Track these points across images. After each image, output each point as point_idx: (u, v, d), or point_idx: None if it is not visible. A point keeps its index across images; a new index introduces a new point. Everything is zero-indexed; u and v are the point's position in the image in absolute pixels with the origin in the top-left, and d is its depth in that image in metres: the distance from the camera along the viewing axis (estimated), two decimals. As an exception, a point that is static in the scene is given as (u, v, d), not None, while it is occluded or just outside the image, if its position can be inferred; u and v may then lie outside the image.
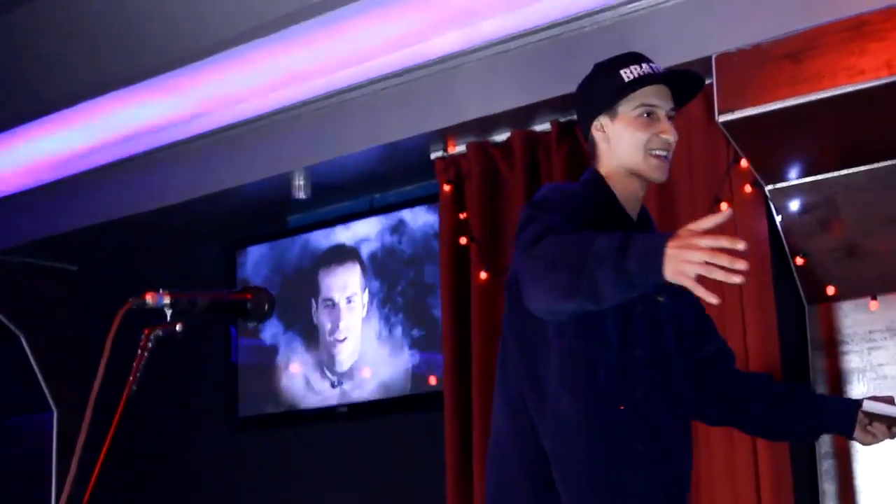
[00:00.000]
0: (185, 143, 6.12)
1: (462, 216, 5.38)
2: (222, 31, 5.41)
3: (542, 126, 5.21)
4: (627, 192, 3.01)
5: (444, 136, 5.41)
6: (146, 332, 2.52)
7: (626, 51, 4.65)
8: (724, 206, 4.62)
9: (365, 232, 6.14)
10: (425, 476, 5.58)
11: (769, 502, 4.44)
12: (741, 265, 2.44)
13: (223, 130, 5.99)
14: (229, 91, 5.77)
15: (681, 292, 2.80)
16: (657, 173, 2.97)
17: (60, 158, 6.55)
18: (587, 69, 4.74)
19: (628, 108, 2.96)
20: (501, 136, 5.34)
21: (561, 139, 5.08)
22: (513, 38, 5.04)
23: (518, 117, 5.19)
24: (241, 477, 6.54)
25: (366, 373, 6.05)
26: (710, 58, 4.49)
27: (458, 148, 5.45)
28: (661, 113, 2.97)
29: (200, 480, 6.71)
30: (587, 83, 3.09)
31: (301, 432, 6.33)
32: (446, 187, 5.44)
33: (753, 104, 4.33)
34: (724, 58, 4.45)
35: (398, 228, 6.01)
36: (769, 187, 4.58)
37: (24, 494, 7.27)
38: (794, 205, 4.60)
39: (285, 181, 5.93)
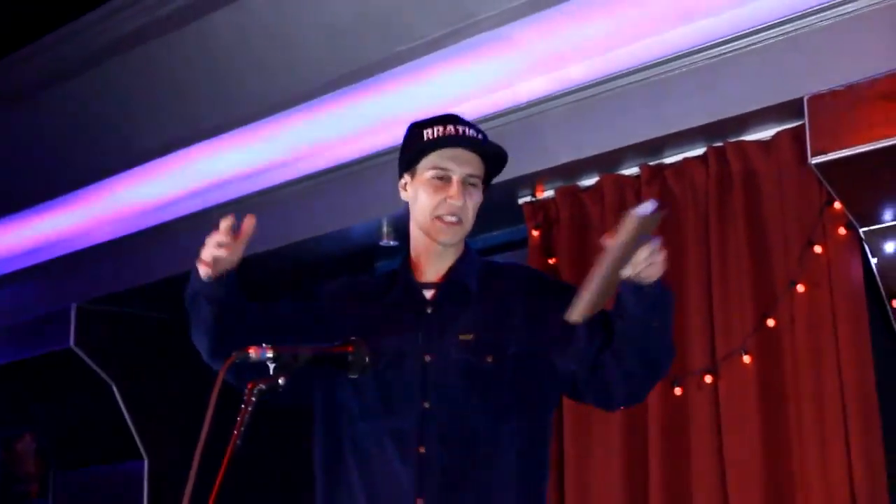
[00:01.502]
0: (274, 190, 6.15)
1: (551, 262, 5.34)
2: (311, 80, 5.46)
3: (631, 170, 5.18)
4: (428, 251, 3.04)
5: (531, 180, 5.38)
6: (249, 386, 2.52)
7: (711, 95, 4.68)
8: (817, 248, 4.57)
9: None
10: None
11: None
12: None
13: (312, 177, 6.00)
14: (318, 138, 5.81)
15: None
16: (442, 236, 2.99)
17: (151, 207, 6.61)
18: (677, 112, 4.81)
19: (425, 168, 2.98)
20: (590, 181, 5.31)
21: (650, 182, 5.05)
22: (600, 82, 5.02)
23: (607, 161, 5.16)
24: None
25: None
26: (801, 99, 4.44)
27: (546, 193, 5.43)
28: (455, 177, 2.96)
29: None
30: (403, 140, 3.11)
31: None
32: (535, 232, 5.40)
33: (847, 146, 4.27)
34: (816, 99, 4.40)
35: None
36: (864, 229, 4.50)
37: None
38: (890, 247, 4.51)
39: (373, 228, 5.94)
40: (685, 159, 5.01)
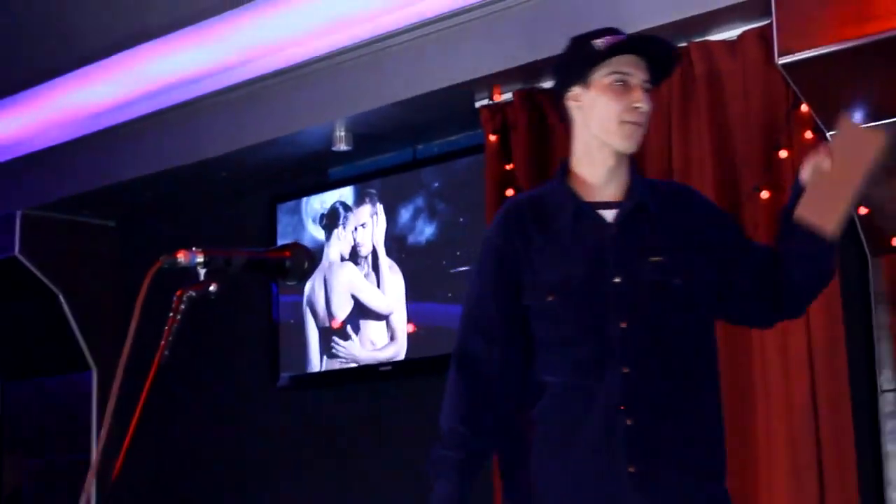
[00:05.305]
0: (224, 92, 5.98)
1: (508, 167, 5.20)
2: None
3: (592, 72, 5.02)
4: (599, 166, 3.07)
5: (488, 83, 5.23)
6: (178, 293, 2.38)
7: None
8: (783, 153, 4.45)
9: (407, 185, 5.98)
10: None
11: (830, 465, 4.32)
12: None
13: (263, 80, 5.83)
14: (269, 39, 5.66)
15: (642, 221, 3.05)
16: (627, 143, 3.05)
17: (98, 111, 6.46)
18: (639, 11, 4.64)
19: (601, 75, 3.02)
20: (549, 83, 5.14)
21: (612, 85, 4.90)
22: (560, -20, 4.87)
23: (566, 63, 5.00)
24: (284, 435, 6.44)
25: (411, 329, 5.89)
26: (770, -4, 4.31)
27: (504, 96, 5.27)
28: (635, 81, 3.03)
29: (243, 440, 6.62)
30: (562, 56, 3.14)
31: (345, 391, 6.20)
32: (492, 137, 5.26)
33: (816, 45, 4.15)
34: (784, -4, 4.27)
35: (441, 180, 5.85)
36: (831, 133, 4.39)
37: (65, 456, 7.21)
38: (858, 152, 4.40)
39: (326, 132, 5.80)
40: (648, 61, 4.85)
